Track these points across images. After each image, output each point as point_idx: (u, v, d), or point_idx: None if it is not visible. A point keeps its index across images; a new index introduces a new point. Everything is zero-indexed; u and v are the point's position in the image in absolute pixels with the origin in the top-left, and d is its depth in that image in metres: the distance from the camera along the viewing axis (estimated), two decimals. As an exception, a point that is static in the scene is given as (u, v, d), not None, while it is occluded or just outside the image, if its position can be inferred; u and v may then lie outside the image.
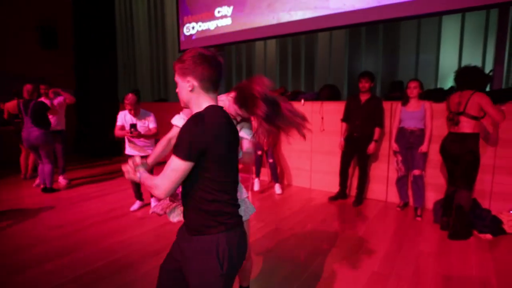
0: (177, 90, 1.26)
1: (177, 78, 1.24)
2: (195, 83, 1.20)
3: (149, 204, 3.82)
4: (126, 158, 3.60)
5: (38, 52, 7.07)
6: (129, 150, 3.65)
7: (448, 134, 3.16)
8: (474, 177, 3.00)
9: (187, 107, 1.27)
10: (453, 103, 3.09)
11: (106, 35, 7.61)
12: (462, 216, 2.97)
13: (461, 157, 2.98)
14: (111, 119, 7.53)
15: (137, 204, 3.80)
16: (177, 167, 1.12)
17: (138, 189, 3.77)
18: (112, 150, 7.53)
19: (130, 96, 3.50)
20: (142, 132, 3.53)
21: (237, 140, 1.29)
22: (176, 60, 1.24)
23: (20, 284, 2.29)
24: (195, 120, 1.14)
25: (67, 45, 7.60)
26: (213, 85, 1.23)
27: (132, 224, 3.36)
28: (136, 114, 3.59)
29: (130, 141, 3.61)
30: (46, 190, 4.42)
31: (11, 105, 4.73)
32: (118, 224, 3.36)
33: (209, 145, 1.13)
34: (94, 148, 7.37)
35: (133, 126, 3.46)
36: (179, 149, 1.12)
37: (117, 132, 3.59)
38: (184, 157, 1.11)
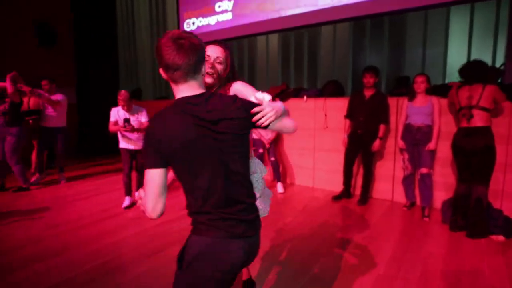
0: None
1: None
2: (163, 74, 1.08)
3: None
4: (120, 152, 3.60)
5: (37, 52, 7.01)
6: (123, 143, 3.79)
7: (459, 130, 3.03)
8: (491, 172, 2.91)
9: None
10: (463, 97, 2.98)
11: (107, 33, 7.54)
12: (481, 212, 2.88)
13: (478, 152, 2.88)
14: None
15: (127, 200, 3.81)
16: (149, 177, 1.06)
17: (129, 184, 3.82)
18: (114, 149, 7.46)
19: (123, 92, 3.68)
20: (136, 127, 3.67)
21: (205, 138, 1.05)
22: None
23: (11, 284, 2.20)
24: (149, 123, 1.09)
25: (67, 44, 7.54)
26: (179, 74, 1.04)
27: (126, 224, 3.25)
28: (128, 110, 3.71)
29: (123, 136, 3.74)
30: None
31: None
32: (112, 224, 3.26)
33: (161, 147, 1.04)
34: (96, 148, 7.31)
35: (127, 120, 3.59)
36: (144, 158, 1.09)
37: (111, 127, 3.71)
38: (148, 166, 1.06)
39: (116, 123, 3.71)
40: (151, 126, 1.07)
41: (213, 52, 1.55)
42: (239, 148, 1.10)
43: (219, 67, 1.55)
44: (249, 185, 1.16)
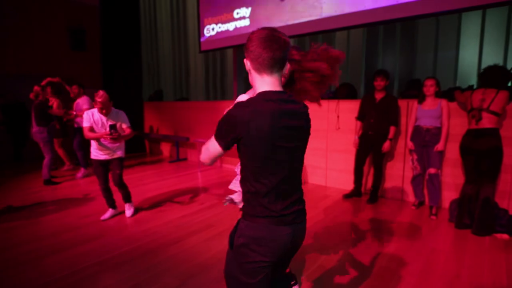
0: None
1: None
2: (249, 64, 1.17)
3: (123, 212, 3.63)
4: (93, 163, 3.33)
5: (68, 55, 7.55)
6: (96, 153, 3.28)
7: (468, 131, 3.14)
8: (498, 172, 3.06)
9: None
10: (476, 99, 3.09)
11: (132, 38, 7.97)
12: (489, 209, 3.02)
13: (486, 153, 2.99)
14: (137, 118, 7.93)
15: (109, 212, 3.51)
16: (213, 147, 1.18)
17: (110, 196, 3.49)
18: (137, 147, 7.92)
19: (101, 93, 3.13)
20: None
21: (291, 136, 1.15)
22: None
23: (52, 265, 2.53)
24: (235, 106, 1.13)
25: (95, 49, 8.04)
26: (266, 66, 1.12)
27: (152, 216, 3.58)
28: (107, 113, 3.22)
29: (100, 144, 3.24)
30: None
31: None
32: (140, 215, 3.59)
33: (242, 135, 1.10)
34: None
35: (113, 127, 3.11)
36: (216, 134, 1.17)
37: (89, 134, 3.13)
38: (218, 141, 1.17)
39: (91, 128, 3.16)
40: (237, 112, 1.11)
41: None
42: (302, 149, 1.25)
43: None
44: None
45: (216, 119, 6.57)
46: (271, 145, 1.11)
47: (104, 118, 3.22)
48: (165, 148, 7.57)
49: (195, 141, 5.95)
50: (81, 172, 5.37)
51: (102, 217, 3.44)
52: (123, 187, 3.48)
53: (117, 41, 7.74)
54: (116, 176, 3.38)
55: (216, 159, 1.24)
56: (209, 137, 1.23)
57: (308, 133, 1.27)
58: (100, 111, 3.18)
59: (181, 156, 7.10)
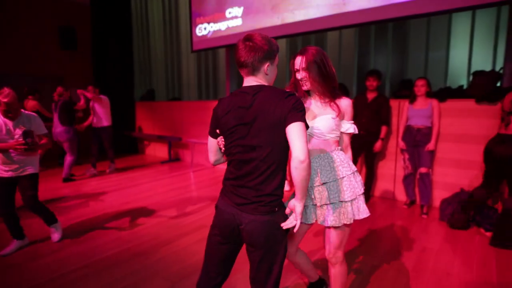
0: None
1: None
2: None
3: (33, 243, 2.88)
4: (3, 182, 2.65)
5: (59, 54, 7.42)
6: (2, 170, 2.55)
7: (497, 135, 2.89)
8: None
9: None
10: (507, 101, 2.81)
11: (123, 37, 7.89)
12: (509, 222, 2.76)
13: (508, 161, 2.72)
14: (128, 118, 7.84)
15: (13, 244, 2.73)
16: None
17: (15, 224, 2.73)
18: (129, 148, 7.84)
19: (7, 91, 2.42)
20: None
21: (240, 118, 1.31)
22: None
23: (39, 268, 2.48)
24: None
25: (86, 48, 7.92)
26: (240, 69, 1.35)
27: (143, 217, 3.54)
28: (14, 118, 2.52)
29: (6, 156, 2.53)
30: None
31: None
32: (131, 216, 3.54)
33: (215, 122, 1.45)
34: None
35: (28, 134, 2.48)
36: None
37: None
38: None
39: None
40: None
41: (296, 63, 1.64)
42: None
43: (301, 75, 1.61)
44: None
45: (208, 119, 6.54)
46: None
47: (10, 124, 2.51)
48: (158, 149, 7.51)
49: (187, 141, 5.90)
50: (111, 166, 5.78)
51: (2, 252, 2.63)
52: (39, 210, 2.77)
53: (108, 40, 7.66)
54: (27, 199, 2.65)
55: None
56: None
57: None
58: (5, 114, 2.47)
59: (174, 156, 7.05)
